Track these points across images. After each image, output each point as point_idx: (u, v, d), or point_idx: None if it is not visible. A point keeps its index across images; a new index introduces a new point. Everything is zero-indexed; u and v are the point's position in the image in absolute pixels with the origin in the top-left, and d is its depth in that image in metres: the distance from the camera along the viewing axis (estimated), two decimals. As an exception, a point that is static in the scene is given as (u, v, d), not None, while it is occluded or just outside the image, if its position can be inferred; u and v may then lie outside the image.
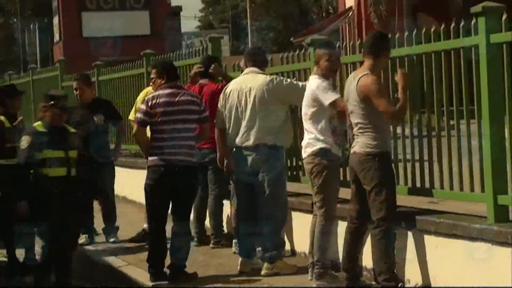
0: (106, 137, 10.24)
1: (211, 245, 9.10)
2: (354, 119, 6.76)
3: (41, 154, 7.68)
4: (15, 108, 9.45)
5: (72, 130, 8.14)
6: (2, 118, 9.11)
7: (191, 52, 11.24)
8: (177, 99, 7.78)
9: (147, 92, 9.63)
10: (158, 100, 7.74)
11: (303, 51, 8.58)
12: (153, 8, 37.98)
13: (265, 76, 7.80)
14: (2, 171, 8.86)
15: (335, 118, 7.12)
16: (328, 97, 7.03)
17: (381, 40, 6.80)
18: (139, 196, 11.77)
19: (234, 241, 8.62)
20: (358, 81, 6.67)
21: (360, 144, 6.70)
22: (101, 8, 37.86)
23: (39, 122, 7.94)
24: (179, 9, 43.79)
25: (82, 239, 9.88)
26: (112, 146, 10.46)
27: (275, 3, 54.20)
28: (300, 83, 7.83)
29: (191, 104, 7.84)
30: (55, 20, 40.10)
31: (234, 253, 8.50)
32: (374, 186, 6.62)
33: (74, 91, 10.27)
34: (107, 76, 14.57)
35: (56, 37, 40.07)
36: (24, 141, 7.74)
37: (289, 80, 8.02)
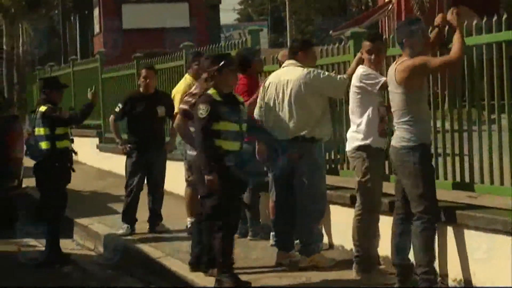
0: (164, 129, 10.44)
1: (248, 238, 9.11)
2: (393, 107, 6.71)
3: (217, 125, 7.17)
4: (57, 100, 9.61)
5: (241, 99, 7.60)
6: (44, 108, 9.30)
7: (230, 44, 11.25)
8: None
9: (188, 81, 9.68)
10: None
11: (342, 44, 8.55)
12: (193, 0, 38.02)
13: (302, 69, 7.78)
14: (60, 155, 9.24)
15: (383, 104, 7.11)
16: (377, 82, 7.02)
17: (410, 25, 6.69)
18: (177, 188, 11.89)
19: (271, 233, 8.63)
20: (396, 67, 6.62)
21: (396, 137, 6.66)
22: (141, 0, 37.98)
23: (214, 90, 7.28)
24: (218, 1, 43.81)
25: (123, 229, 9.97)
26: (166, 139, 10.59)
27: (314, -4, 54.02)
28: (338, 76, 7.81)
29: None
30: (95, 12, 40.32)
31: (272, 245, 8.51)
32: (411, 179, 6.57)
33: (143, 80, 10.29)
34: (146, 68, 14.60)
35: (96, 29, 40.29)
36: (203, 110, 7.18)
37: (327, 73, 7.99)
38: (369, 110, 7.06)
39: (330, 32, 28.88)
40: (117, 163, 15.26)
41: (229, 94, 7.32)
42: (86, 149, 17.91)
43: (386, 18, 28.84)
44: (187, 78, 9.87)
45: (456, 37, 6.50)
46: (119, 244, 9.67)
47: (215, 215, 7.19)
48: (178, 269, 8.13)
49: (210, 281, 7.42)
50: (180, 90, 9.69)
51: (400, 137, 6.63)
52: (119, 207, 10.64)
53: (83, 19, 44.78)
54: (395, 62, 6.80)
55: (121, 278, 8.67)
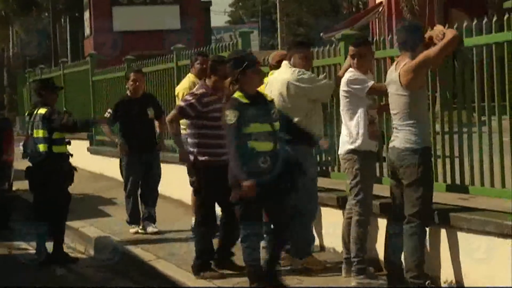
0: (154, 130, 10.49)
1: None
2: (395, 109, 6.72)
3: (248, 129, 6.90)
4: (52, 102, 9.64)
5: (271, 98, 7.38)
6: (44, 110, 9.35)
7: (221, 47, 11.25)
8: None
9: (192, 79, 9.72)
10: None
11: (333, 46, 8.55)
12: (184, 2, 38.03)
13: (291, 70, 7.76)
14: (58, 158, 9.30)
15: (373, 107, 7.12)
16: (364, 87, 7.05)
17: (414, 33, 6.73)
18: (172, 192, 11.89)
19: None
20: (400, 71, 6.63)
21: (400, 139, 6.67)
22: (132, 3, 37.96)
23: (240, 93, 7.05)
24: (209, 4, 43.84)
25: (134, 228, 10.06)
26: None
27: (305, -2, 54.09)
28: (324, 80, 7.82)
29: None
30: (86, 15, 40.30)
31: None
32: (413, 182, 6.59)
33: (131, 83, 10.34)
34: (137, 70, 14.60)
35: (87, 31, 40.27)
36: (231, 115, 6.93)
37: (313, 75, 7.95)
38: (358, 113, 7.07)
39: (321, 34, 28.92)
40: (108, 166, 15.26)
41: (256, 95, 7.12)
42: (76, 152, 17.77)
43: (377, 19, 28.89)
44: (190, 77, 9.91)
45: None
46: (111, 247, 9.66)
47: (247, 224, 6.98)
48: (170, 271, 8.12)
49: (201, 283, 7.41)
50: (183, 89, 9.74)
51: (404, 138, 6.63)
52: (111, 210, 10.64)
53: (74, 21, 44.75)
54: (395, 64, 6.80)
55: (115, 280, 8.65)
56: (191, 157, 7.75)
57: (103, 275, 8.94)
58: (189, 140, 7.84)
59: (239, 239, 7.20)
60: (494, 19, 6.53)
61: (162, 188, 12.32)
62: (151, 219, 10.21)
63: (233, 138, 6.87)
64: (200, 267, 7.74)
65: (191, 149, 7.77)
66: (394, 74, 6.71)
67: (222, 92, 7.60)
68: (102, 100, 16.53)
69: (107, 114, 10.34)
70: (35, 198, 9.55)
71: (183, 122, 9.59)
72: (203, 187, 7.74)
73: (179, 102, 8.04)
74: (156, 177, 10.41)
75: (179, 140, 7.98)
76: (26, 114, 9.81)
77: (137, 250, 9.18)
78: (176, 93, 10.02)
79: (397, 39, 6.85)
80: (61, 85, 10.41)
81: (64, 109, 10.66)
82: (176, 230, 10.14)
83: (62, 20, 45.83)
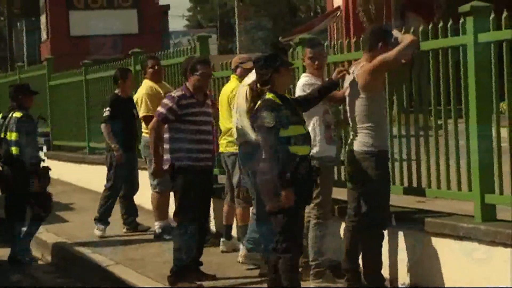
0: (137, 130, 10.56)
1: None
2: (353, 112, 6.74)
3: (286, 132, 6.42)
4: (28, 105, 9.84)
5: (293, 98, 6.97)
6: (19, 114, 9.54)
7: (179, 51, 11.23)
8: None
9: (149, 85, 9.73)
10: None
11: (291, 50, 8.57)
12: (141, 7, 37.92)
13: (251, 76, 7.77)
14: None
15: (328, 112, 7.13)
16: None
17: (377, 34, 6.77)
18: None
19: (222, 239, 8.64)
20: (357, 72, 6.66)
21: (358, 142, 6.68)
22: (89, 7, 37.77)
23: (271, 94, 6.52)
24: (167, 8, 43.73)
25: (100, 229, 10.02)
26: None
27: (263, 2, 54.20)
28: None
29: None
30: (43, 19, 40.00)
31: (222, 251, 8.51)
32: (370, 185, 6.61)
33: (122, 82, 10.33)
34: (95, 74, 14.54)
35: (44, 35, 39.97)
36: (270, 118, 6.38)
37: None
38: (314, 119, 7.06)
39: (280, 38, 28.99)
40: (65, 171, 15.15)
41: (285, 96, 6.68)
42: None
43: (335, 24, 29.03)
44: (146, 82, 9.88)
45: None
46: (68, 253, 9.58)
47: (287, 234, 6.46)
48: (128, 276, 8.07)
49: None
50: (141, 95, 9.75)
51: (362, 142, 6.64)
52: (67, 215, 10.56)
53: (30, 25, 44.36)
54: (353, 67, 6.82)
55: (72, 285, 8.59)
56: (167, 164, 7.53)
57: (60, 281, 8.86)
58: (165, 145, 7.59)
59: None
60: (450, 23, 6.59)
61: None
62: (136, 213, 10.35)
63: (273, 143, 6.33)
64: (177, 275, 7.51)
65: (166, 155, 7.57)
66: (352, 77, 6.73)
67: (202, 94, 7.60)
68: (59, 105, 16.40)
69: (106, 113, 10.23)
70: (6, 200, 9.63)
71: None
72: (181, 193, 7.54)
73: (160, 109, 7.59)
74: (137, 175, 10.51)
75: (157, 151, 7.56)
76: (0, 116, 9.90)
77: (95, 256, 9.11)
78: (135, 100, 9.96)
79: (371, 43, 6.79)
80: (36, 90, 10.46)
81: (39, 114, 10.72)
82: (135, 235, 10.09)
83: (18, 24, 45.41)
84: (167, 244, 9.17)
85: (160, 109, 7.57)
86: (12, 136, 9.48)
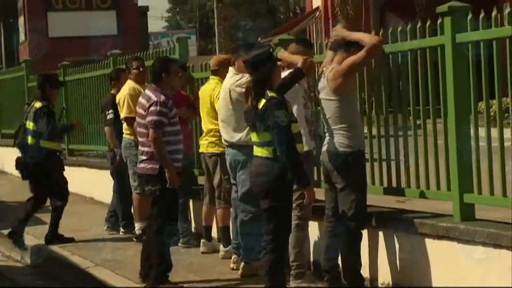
0: None
1: (180, 244, 9.08)
2: (326, 114, 6.73)
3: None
4: (53, 97, 10.16)
5: None
6: (38, 105, 9.87)
7: (158, 52, 11.20)
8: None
9: (132, 85, 9.70)
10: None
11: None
12: (120, 8, 37.80)
13: (231, 76, 7.76)
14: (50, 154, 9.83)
15: (307, 106, 7.13)
16: (300, 84, 7.07)
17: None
18: (105, 197, 11.78)
19: (202, 241, 8.65)
20: (327, 75, 6.66)
21: (333, 142, 6.67)
22: (68, 8, 37.60)
23: (272, 92, 6.41)
24: (146, 9, 43.63)
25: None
26: None
27: (243, 3, 54.25)
28: None
29: None
30: (21, 20, 39.80)
31: (202, 252, 8.51)
32: (347, 185, 6.60)
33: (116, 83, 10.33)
34: (73, 76, 14.47)
35: (22, 37, 39.77)
36: (283, 115, 6.31)
37: (243, 79, 7.86)
38: (295, 107, 7.00)
39: (259, 38, 29.04)
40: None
41: (279, 93, 6.54)
42: (12, 159, 17.58)
43: (314, 24, 29.11)
44: (129, 83, 9.83)
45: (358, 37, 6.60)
46: (47, 255, 9.54)
47: (277, 235, 6.52)
48: (107, 277, 8.05)
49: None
50: (124, 95, 9.68)
51: (338, 142, 6.63)
52: (47, 217, 10.50)
53: (8, 27, 44.12)
54: (323, 69, 6.83)
55: (51, 287, 8.56)
56: (154, 167, 7.40)
57: (40, 283, 8.83)
58: (147, 149, 7.47)
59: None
60: (428, 23, 6.62)
61: (98, 194, 12.24)
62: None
63: (290, 141, 6.27)
64: (158, 278, 7.47)
65: (144, 157, 7.47)
66: (323, 79, 6.74)
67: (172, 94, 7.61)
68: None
69: (110, 115, 10.16)
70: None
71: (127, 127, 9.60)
72: (168, 195, 7.43)
73: (154, 117, 7.34)
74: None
75: (168, 160, 7.36)
76: (26, 103, 10.50)
77: (74, 257, 9.08)
78: (117, 101, 9.88)
79: (343, 45, 6.78)
80: (63, 82, 10.80)
81: (63, 106, 11.08)
82: (114, 237, 10.07)
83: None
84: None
85: (152, 117, 7.33)
86: (30, 125, 9.94)
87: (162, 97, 7.39)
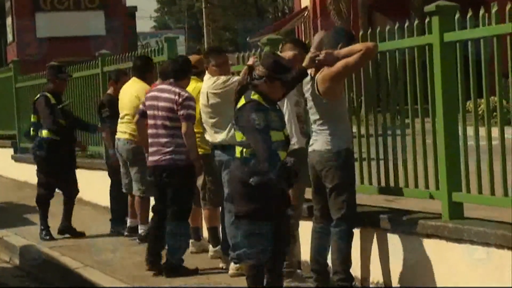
0: None
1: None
2: (314, 116, 6.73)
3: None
4: (62, 88, 10.42)
5: None
6: (49, 95, 10.05)
7: (147, 52, 11.19)
8: None
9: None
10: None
11: (258, 50, 8.59)
12: (108, 8, 37.69)
13: (207, 79, 7.79)
14: (53, 144, 9.97)
15: (299, 104, 7.11)
16: None
17: (338, 35, 6.76)
18: (94, 197, 11.78)
19: (191, 241, 8.63)
20: (316, 78, 6.64)
21: (321, 141, 6.65)
22: (56, 9, 37.47)
23: (258, 95, 6.14)
24: (134, 9, 43.55)
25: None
26: None
27: (231, 3, 54.24)
28: (235, 78, 7.62)
29: None
30: (9, 21, 39.67)
31: (192, 252, 8.50)
32: (336, 184, 6.57)
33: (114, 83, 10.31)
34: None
35: (10, 38, 39.64)
36: (260, 119, 6.01)
37: (227, 77, 7.78)
38: (287, 109, 7.01)
39: (248, 38, 29.05)
40: (32, 174, 14.97)
41: (270, 98, 6.24)
42: (0, 160, 17.57)
43: (302, 24, 29.14)
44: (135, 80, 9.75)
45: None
46: (37, 256, 9.52)
47: (262, 240, 6.28)
48: (97, 278, 8.04)
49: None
50: (138, 93, 9.58)
51: (325, 141, 6.61)
52: (36, 218, 10.50)
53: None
54: (312, 72, 6.79)
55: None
56: (182, 158, 7.80)
57: (29, 284, 8.81)
58: (170, 139, 7.79)
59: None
60: (416, 22, 6.64)
61: (89, 195, 12.22)
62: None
63: (266, 145, 5.97)
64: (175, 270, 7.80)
65: (167, 149, 7.80)
66: (311, 83, 6.69)
67: None
68: (26, 107, 16.27)
69: (105, 113, 10.15)
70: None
71: (123, 126, 9.58)
72: (189, 191, 7.93)
73: (190, 112, 7.77)
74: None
75: (197, 150, 7.90)
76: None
77: (63, 258, 9.06)
78: (135, 95, 9.68)
79: (332, 44, 6.74)
80: (70, 74, 11.28)
81: (68, 101, 11.23)
82: (104, 238, 10.05)
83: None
84: (137, 246, 9.18)
85: (188, 111, 7.77)
86: (34, 118, 10.25)
87: (186, 92, 7.88)
